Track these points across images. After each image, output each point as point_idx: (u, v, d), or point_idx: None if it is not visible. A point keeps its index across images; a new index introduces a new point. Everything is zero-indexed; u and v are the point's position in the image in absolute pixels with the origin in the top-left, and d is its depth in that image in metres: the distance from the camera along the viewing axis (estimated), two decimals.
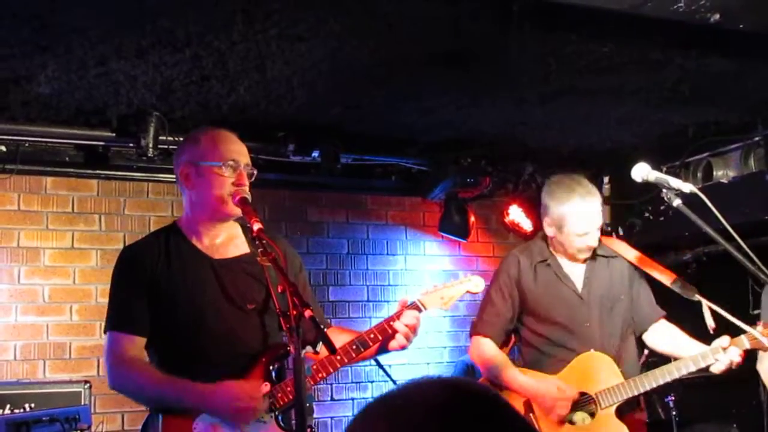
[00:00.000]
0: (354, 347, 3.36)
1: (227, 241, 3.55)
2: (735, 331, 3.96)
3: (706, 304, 4.02)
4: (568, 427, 4.11)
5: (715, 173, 6.29)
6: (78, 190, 6.10)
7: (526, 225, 7.30)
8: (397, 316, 3.41)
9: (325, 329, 3.25)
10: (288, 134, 6.05)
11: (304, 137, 6.08)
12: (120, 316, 3.43)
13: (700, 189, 3.51)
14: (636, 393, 4.03)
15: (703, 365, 3.92)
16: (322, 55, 4.54)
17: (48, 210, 5.99)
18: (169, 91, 5.04)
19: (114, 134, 5.68)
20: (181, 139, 5.49)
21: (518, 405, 4.19)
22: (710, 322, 4.04)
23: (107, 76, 4.74)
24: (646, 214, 6.72)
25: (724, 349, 3.86)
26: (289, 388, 3.29)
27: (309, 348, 3.37)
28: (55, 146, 5.87)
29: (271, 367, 3.37)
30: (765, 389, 4.84)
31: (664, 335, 4.34)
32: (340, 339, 3.35)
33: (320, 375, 3.34)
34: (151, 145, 5.49)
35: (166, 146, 5.63)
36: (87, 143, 5.86)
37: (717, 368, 3.90)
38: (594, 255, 4.32)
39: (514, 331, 4.49)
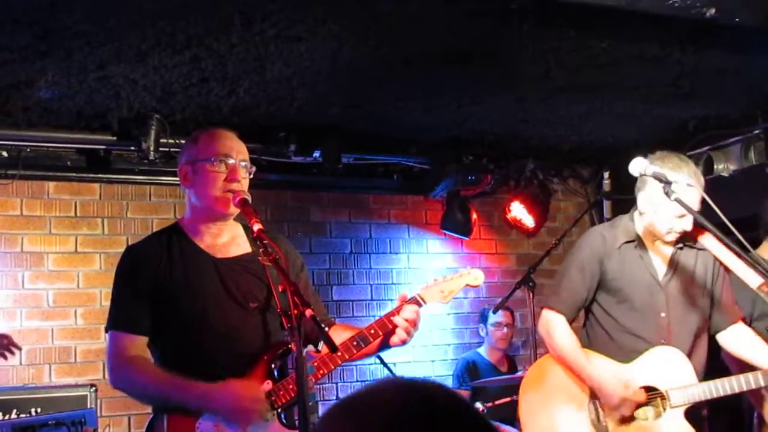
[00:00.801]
0: (354, 343, 3.37)
1: (229, 240, 3.56)
2: None
3: None
4: (633, 422, 3.95)
5: (715, 167, 6.29)
6: (80, 194, 6.12)
7: (528, 221, 7.31)
8: (397, 311, 3.41)
9: (328, 328, 3.27)
10: (289, 135, 6.07)
11: (306, 137, 6.09)
12: (121, 316, 3.44)
13: None
14: (709, 397, 3.86)
15: None
16: (321, 56, 4.55)
17: (51, 215, 6.01)
18: (169, 94, 5.06)
19: (115, 138, 5.70)
20: (183, 141, 5.53)
21: (585, 390, 4.03)
22: None
23: (107, 80, 4.76)
24: None
25: None
26: (291, 386, 3.30)
27: (311, 346, 3.38)
28: (56, 151, 5.90)
29: (273, 365, 3.37)
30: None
31: (740, 338, 4.12)
32: (342, 336, 3.35)
33: (321, 372, 3.34)
34: (152, 148, 5.51)
35: (167, 149, 5.65)
36: (88, 147, 5.90)
37: None
38: (683, 244, 4.08)
39: (587, 308, 4.26)
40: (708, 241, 4.08)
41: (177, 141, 5.58)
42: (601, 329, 4.16)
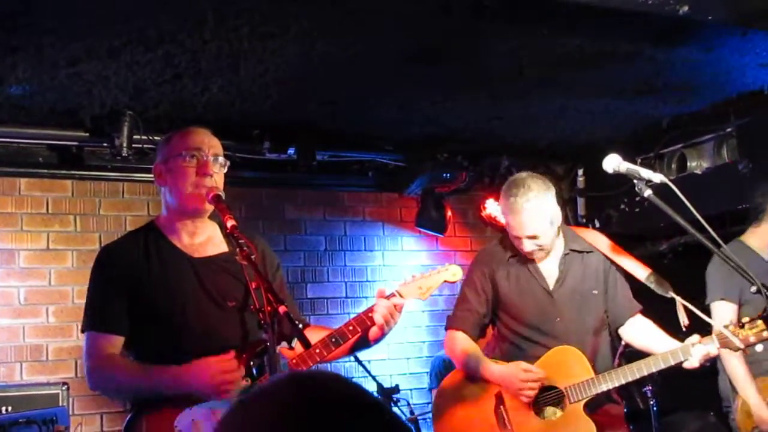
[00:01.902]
0: (332, 340, 3.37)
1: (206, 240, 3.55)
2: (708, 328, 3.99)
3: (679, 301, 4.03)
4: (538, 420, 4.13)
5: (689, 164, 6.34)
6: (52, 191, 6.06)
7: (503, 219, 7.31)
8: (376, 306, 3.41)
9: (303, 327, 3.26)
10: (263, 132, 6.04)
11: (280, 135, 6.07)
12: (98, 316, 3.43)
13: (674, 180, 3.53)
14: (605, 389, 4.03)
15: (672, 363, 3.91)
16: (295, 53, 4.53)
17: (22, 211, 5.95)
18: (142, 91, 5.03)
19: (87, 134, 5.65)
20: (156, 138, 5.50)
21: (491, 399, 4.21)
22: (683, 319, 4.05)
23: (79, 77, 4.72)
24: (622, 206, 6.76)
25: (693, 346, 3.85)
26: None
27: (284, 344, 3.38)
28: (28, 147, 5.83)
29: (251, 363, 3.37)
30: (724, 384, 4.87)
31: (639, 330, 4.32)
32: (317, 336, 3.36)
33: (300, 369, 3.34)
34: (125, 145, 5.46)
35: (140, 146, 5.61)
36: (60, 144, 5.83)
37: (690, 364, 3.89)
38: (568, 250, 4.31)
39: (493, 324, 4.49)
40: (596, 240, 4.40)
41: (150, 138, 5.55)
42: (507, 342, 4.38)
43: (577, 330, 4.22)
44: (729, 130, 6.02)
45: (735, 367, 4.68)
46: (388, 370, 6.87)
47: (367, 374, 5.58)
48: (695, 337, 3.89)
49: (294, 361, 3.36)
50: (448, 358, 6.62)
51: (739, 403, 4.69)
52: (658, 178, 3.50)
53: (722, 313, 4.71)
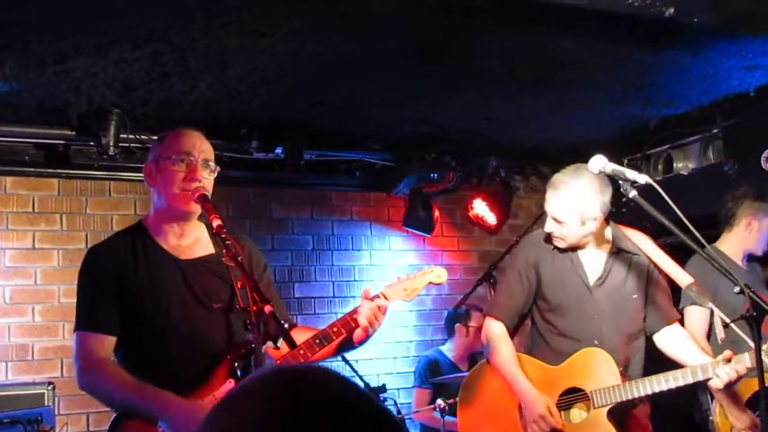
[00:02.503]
0: (317, 341, 3.37)
1: (193, 242, 3.55)
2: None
3: (717, 313, 3.95)
4: (561, 427, 4.03)
5: (675, 165, 6.36)
6: (39, 189, 6.04)
7: (491, 219, 7.33)
8: (360, 308, 3.42)
9: (289, 327, 3.26)
10: (251, 131, 6.04)
11: (268, 134, 6.06)
12: (88, 316, 3.41)
13: (661, 181, 3.54)
14: (630, 397, 3.92)
15: (701, 378, 3.82)
16: (283, 51, 4.53)
17: (8, 210, 5.93)
18: (129, 89, 5.02)
19: (74, 133, 5.64)
20: (143, 137, 5.49)
21: (515, 396, 4.13)
22: (720, 333, 4.01)
23: (67, 74, 4.71)
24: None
25: (726, 361, 3.75)
26: None
27: (270, 344, 3.37)
28: (14, 145, 5.81)
29: (236, 365, 3.37)
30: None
31: (673, 340, 4.20)
32: (304, 337, 3.36)
33: None
34: (112, 144, 5.45)
35: (127, 144, 5.60)
36: (47, 142, 5.81)
37: (714, 384, 3.81)
38: (616, 249, 4.19)
39: (530, 313, 4.37)
40: (643, 243, 4.25)
41: (137, 136, 5.54)
42: (538, 333, 4.29)
43: (612, 331, 4.11)
44: (715, 131, 6.05)
45: None
46: (375, 369, 6.88)
47: (354, 373, 5.59)
48: (727, 353, 3.78)
49: (279, 361, 3.36)
50: (434, 357, 6.67)
51: (717, 405, 4.68)
52: (643, 179, 3.50)
53: (695, 318, 4.70)
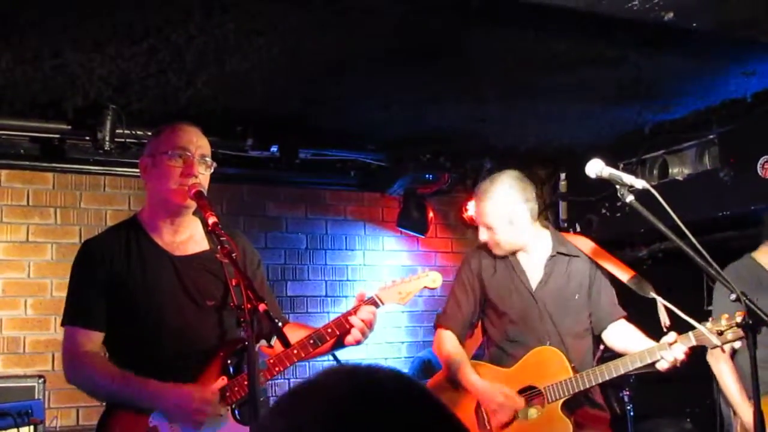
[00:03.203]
0: (311, 342, 3.37)
1: (188, 237, 3.55)
2: (688, 329, 3.98)
3: (660, 301, 4.04)
4: (517, 420, 4.16)
5: (670, 171, 6.36)
6: (33, 183, 6.03)
7: None
8: (354, 310, 3.42)
9: (282, 325, 3.26)
10: (247, 128, 6.03)
11: (263, 132, 6.06)
12: (77, 311, 3.42)
13: (656, 186, 3.53)
14: (582, 387, 4.04)
15: (648, 361, 3.91)
16: (280, 50, 4.52)
17: (2, 203, 5.92)
18: (126, 84, 5.00)
19: (70, 127, 5.62)
20: (139, 132, 5.48)
21: (473, 399, 4.26)
22: (664, 320, 4.05)
23: (63, 68, 4.69)
24: (603, 211, 6.78)
25: (670, 345, 3.85)
26: (245, 382, 3.29)
27: (263, 342, 3.38)
28: (9, 138, 5.78)
29: (228, 362, 3.37)
30: (718, 388, 4.85)
31: (620, 335, 4.33)
32: (296, 335, 3.36)
33: (277, 369, 3.34)
34: (107, 139, 5.43)
35: (123, 140, 5.58)
36: (42, 136, 5.79)
37: (661, 365, 3.89)
38: (555, 252, 4.34)
39: (482, 326, 4.53)
40: (584, 245, 4.43)
41: (133, 132, 5.53)
42: (492, 342, 4.44)
43: (559, 332, 4.24)
44: (711, 137, 6.05)
45: (726, 379, 4.64)
46: None
47: None
48: (672, 335, 3.88)
49: (271, 360, 3.36)
50: (427, 357, 6.67)
51: (738, 423, 4.68)
52: (640, 183, 3.51)
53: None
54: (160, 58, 4.59)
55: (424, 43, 4.54)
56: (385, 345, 7.11)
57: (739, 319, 3.60)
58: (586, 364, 4.28)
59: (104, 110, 5.38)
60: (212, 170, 3.51)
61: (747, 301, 3.26)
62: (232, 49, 4.47)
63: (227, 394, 3.31)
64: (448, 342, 4.40)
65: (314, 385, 1.21)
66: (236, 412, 3.33)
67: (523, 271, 4.36)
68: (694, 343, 3.85)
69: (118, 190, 6.28)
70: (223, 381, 3.32)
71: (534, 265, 4.37)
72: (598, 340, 4.48)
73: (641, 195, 3.55)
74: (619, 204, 6.32)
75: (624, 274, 4.30)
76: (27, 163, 5.95)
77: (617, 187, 3.56)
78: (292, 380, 6.66)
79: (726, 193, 5.72)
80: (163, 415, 3.26)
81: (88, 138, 5.63)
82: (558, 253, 4.35)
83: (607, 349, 4.57)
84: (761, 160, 5.53)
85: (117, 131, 5.48)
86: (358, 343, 3.45)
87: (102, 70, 4.75)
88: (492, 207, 4.27)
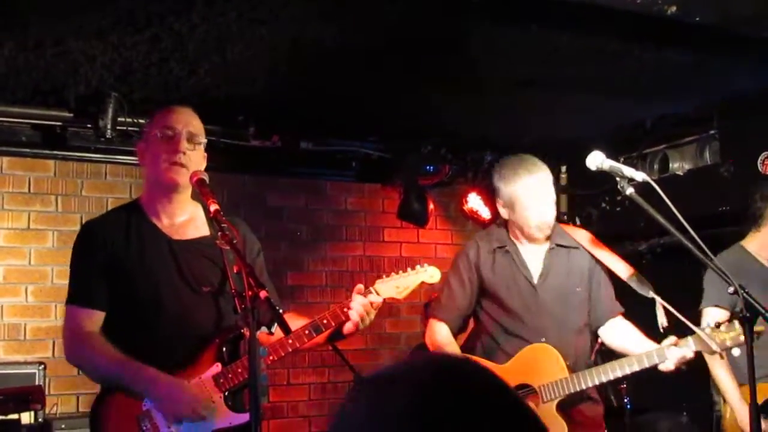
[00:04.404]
0: (307, 332, 3.38)
1: (187, 220, 3.56)
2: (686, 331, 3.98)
3: (659, 302, 4.01)
4: None
5: (671, 165, 6.37)
6: (34, 170, 6.04)
7: (485, 213, 7.33)
8: (352, 303, 3.42)
9: (282, 313, 3.27)
10: (248, 118, 6.03)
11: (265, 121, 6.06)
12: (79, 290, 3.44)
13: (656, 180, 3.53)
14: (578, 388, 3.99)
15: (647, 365, 3.89)
16: (282, 39, 4.53)
17: (4, 190, 5.93)
18: (128, 72, 5.01)
19: (72, 115, 5.63)
20: (140, 120, 5.49)
21: None
22: (662, 320, 4.03)
23: (65, 56, 4.69)
24: (603, 204, 6.79)
25: (669, 348, 3.83)
26: (239, 370, 3.31)
27: (264, 329, 3.39)
28: (11, 126, 5.78)
29: (223, 349, 3.38)
30: (713, 383, 4.84)
31: (618, 332, 4.28)
32: (295, 324, 3.36)
33: (271, 357, 3.35)
34: (109, 127, 5.44)
35: (124, 128, 5.59)
36: (44, 123, 5.79)
37: (665, 367, 3.87)
38: (554, 245, 4.27)
39: (475, 316, 4.43)
40: (579, 236, 4.36)
41: (134, 120, 5.53)
42: (487, 335, 4.32)
43: (559, 326, 4.17)
44: (712, 132, 6.06)
45: (719, 374, 4.65)
46: (366, 360, 6.89)
47: (345, 363, 5.60)
48: (671, 339, 3.86)
49: (270, 348, 3.37)
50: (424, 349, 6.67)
51: (728, 410, 4.68)
52: (640, 176, 3.51)
53: (712, 319, 4.69)
54: (162, 47, 4.59)
55: (427, 35, 4.55)
56: (384, 335, 7.13)
57: (737, 326, 3.61)
58: (584, 360, 4.24)
59: (106, 98, 5.38)
60: (202, 148, 3.52)
61: (745, 294, 3.26)
62: (234, 37, 4.48)
63: (221, 380, 3.33)
64: (441, 334, 4.33)
65: (397, 373, 1.20)
66: (228, 399, 3.34)
67: (524, 263, 4.27)
68: (693, 348, 3.82)
69: (120, 178, 6.29)
70: (217, 368, 3.34)
71: (534, 257, 4.29)
72: (595, 335, 4.41)
73: (641, 189, 3.56)
74: (619, 198, 6.33)
75: (624, 270, 4.23)
76: (28, 150, 5.96)
77: (617, 179, 3.56)
78: (290, 369, 6.68)
79: (726, 189, 5.73)
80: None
81: (89, 126, 5.64)
82: (557, 245, 4.29)
83: (603, 343, 4.53)
84: (762, 156, 5.54)
85: (119, 119, 5.49)
86: (356, 330, 3.46)
87: (104, 58, 4.75)
88: (551, 186, 4.22)
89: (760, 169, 5.55)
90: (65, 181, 6.13)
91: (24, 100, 5.44)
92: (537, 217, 4.18)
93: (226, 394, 3.33)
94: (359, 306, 3.41)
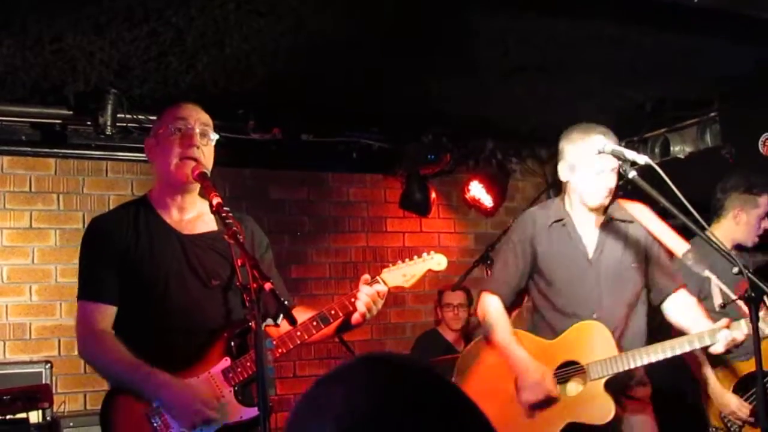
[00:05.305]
0: (314, 323, 3.38)
1: (196, 216, 3.55)
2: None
3: (714, 282, 3.97)
4: (557, 395, 4.01)
5: (672, 148, 6.36)
6: (35, 169, 6.03)
7: (487, 201, 7.34)
8: (359, 293, 3.42)
9: (290, 306, 3.27)
10: (248, 111, 6.02)
11: (265, 114, 6.06)
12: (90, 286, 3.43)
13: (657, 164, 3.51)
14: (627, 368, 3.90)
15: (698, 346, 3.85)
16: (281, 31, 4.52)
17: (5, 189, 5.92)
18: (127, 69, 5.00)
19: (71, 112, 5.62)
20: (140, 117, 5.48)
21: (511, 369, 4.11)
22: (717, 300, 4.00)
23: (64, 53, 4.69)
24: None
25: (720, 330, 3.76)
26: (248, 363, 3.31)
27: (270, 321, 3.39)
28: (10, 125, 5.78)
29: (232, 343, 3.38)
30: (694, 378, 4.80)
31: (677, 308, 4.17)
32: (302, 316, 3.36)
33: (279, 350, 3.34)
34: (109, 123, 5.44)
35: (124, 124, 5.59)
36: (44, 121, 5.79)
37: (715, 350, 3.81)
38: (610, 219, 4.13)
39: (527, 291, 4.32)
40: (638, 212, 4.18)
41: (134, 116, 5.53)
42: (537, 309, 4.25)
43: (612, 302, 4.06)
44: (713, 115, 6.05)
45: (712, 385, 4.65)
46: (372, 350, 6.89)
47: (351, 354, 5.60)
48: (724, 321, 3.80)
49: (275, 342, 3.37)
50: (429, 338, 6.68)
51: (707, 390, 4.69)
52: (642, 159, 3.50)
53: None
54: (160, 41, 4.59)
55: (426, 23, 4.54)
56: (389, 325, 7.14)
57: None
58: (637, 337, 4.10)
59: (105, 95, 5.38)
60: (213, 142, 3.52)
61: (749, 275, 3.26)
62: (232, 31, 4.47)
63: (230, 375, 3.33)
64: (493, 306, 4.20)
65: (338, 372, 1.26)
66: (239, 393, 3.34)
67: (579, 237, 4.14)
68: (745, 331, 3.75)
69: (121, 175, 6.28)
70: (226, 362, 3.34)
71: (589, 232, 4.15)
72: (654, 311, 4.26)
73: (642, 172, 3.55)
74: (621, 182, 6.33)
75: (679, 245, 4.10)
76: (28, 149, 5.94)
77: (620, 163, 3.55)
78: (296, 362, 6.69)
79: (727, 171, 5.71)
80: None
81: (89, 123, 5.63)
82: (612, 218, 4.15)
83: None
84: (762, 138, 5.54)
85: (118, 116, 5.49)
86: (363, 319, 3.45)
87: (102, 55, 4.75)
88: None
89: (761, 151, 5.54)
90: (66, 179, 6.13)
91: (23, 98, 5.44)
92: (597, 181, 4.00)
93: (236, 388, 3.33)
94: (366, 296, 3.40)
